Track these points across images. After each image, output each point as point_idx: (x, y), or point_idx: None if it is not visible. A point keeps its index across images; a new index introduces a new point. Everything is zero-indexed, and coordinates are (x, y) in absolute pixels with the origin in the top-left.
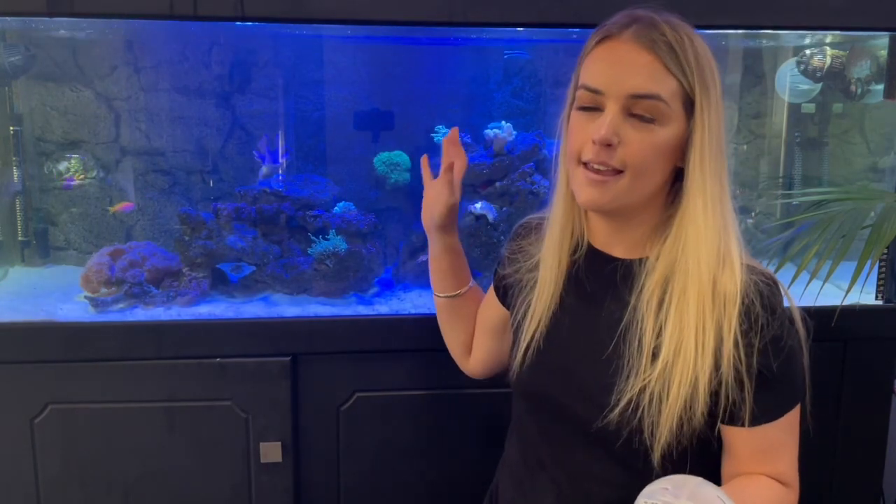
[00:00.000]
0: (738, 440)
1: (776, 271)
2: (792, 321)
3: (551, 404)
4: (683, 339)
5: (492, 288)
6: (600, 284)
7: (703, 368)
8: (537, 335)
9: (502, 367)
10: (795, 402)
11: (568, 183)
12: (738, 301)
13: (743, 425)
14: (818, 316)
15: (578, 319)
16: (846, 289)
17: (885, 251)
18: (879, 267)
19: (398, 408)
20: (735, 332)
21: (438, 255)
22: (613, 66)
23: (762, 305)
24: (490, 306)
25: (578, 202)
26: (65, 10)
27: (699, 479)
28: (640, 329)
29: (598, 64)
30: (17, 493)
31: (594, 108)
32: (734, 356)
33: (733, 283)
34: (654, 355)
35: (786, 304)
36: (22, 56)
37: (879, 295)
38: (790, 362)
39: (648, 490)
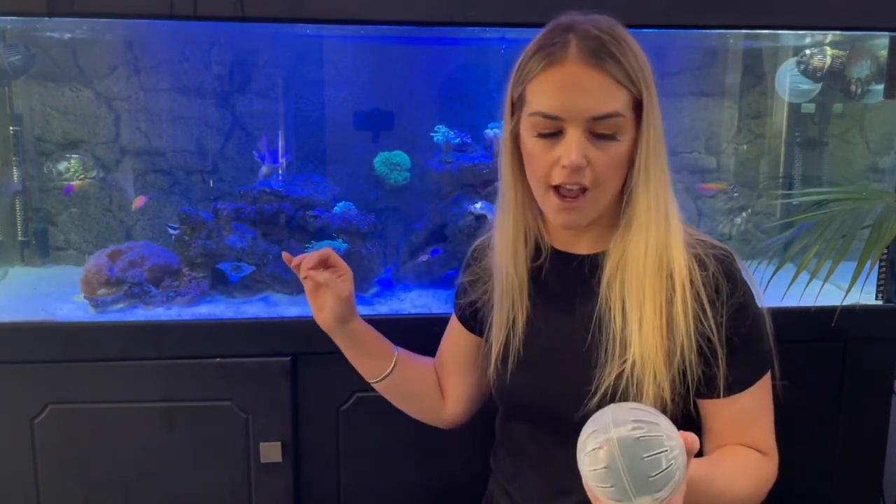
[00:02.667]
0: (715, 412)
1: (776, 271)
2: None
3: (537, 407)
4: (647, 321)
5: (454, 321)
6: (570, 282)
7: (672, 346)
8: (512, 344)
9: (485, 399)
10: (766, 368)
11: (517, 195)
12: (688, 275)
13: (718, 396)
14: (818, 316)
15: (554, 320)
16: (846, 289)
17: (885, 251)
18: (879, 267)
19: (397, 408)
20: (703, 304)
21: (350, 349)
22: (567, 90)
23: (724, 275)
24: (458, 340)
25: (556, 224)
26: (65, 10)
27: (614, 406)
28: (610, 317)
29: (549, 90)
30: (17, 493)
31: (552, 131)
32: (706, 327)
33: (680, 260)
34: (626, 341)
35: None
36: (22, 56)
37: (879, 295)
38: (757, 328)
39: (582, 442)
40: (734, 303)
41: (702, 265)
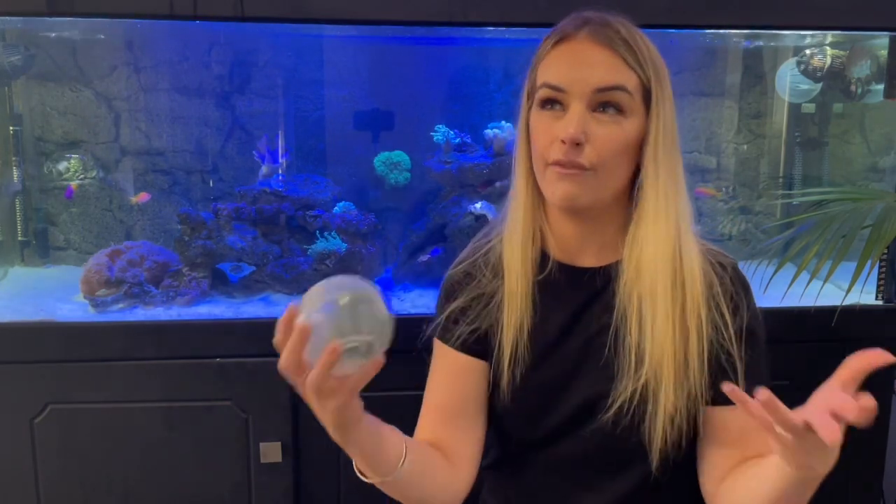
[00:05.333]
0: (730, 420)
1: (776, 271)
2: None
3: (548, 424)
4: (662, 333)
5: (450, 362)
6: (584, 296)
7: (687, 357)
8: (521, 355)
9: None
10: (768, 377)
11: (528, 188)
12: (704, 284)
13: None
14: (818, 316)
15: (570, 335)
16: (846, 289)
17: (885, 251)
18: (879, 267)
19: (398, 408)
20: (723, 312)
21: (361, 447)
22: (575, 63)
23: (740, 284)
24: (466, 379)
25: (552, 201)
26: (65, 10)
27: (355, 278)
28: (626, 329)
29: (557, 63)
30: (17, 493)
31: (556, 106)
32: (725, 337)
33: (694, 269)
34: (642, 354)
35: None
36: (22, 56)
37: (879, 295)
38: (762, 334)
39: (334, 327)
40: (750, 312)
41: (719, 275)
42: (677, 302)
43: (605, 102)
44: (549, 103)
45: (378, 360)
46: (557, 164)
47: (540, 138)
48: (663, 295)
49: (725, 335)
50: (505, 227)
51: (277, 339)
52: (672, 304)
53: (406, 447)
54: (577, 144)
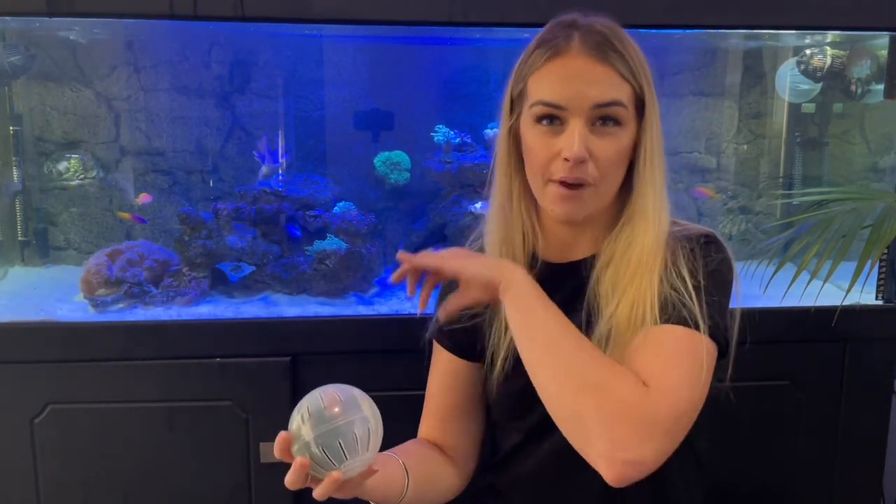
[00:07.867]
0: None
1: (776, 271)
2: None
3: (535, 417)
4: (628, 310)
5: (445, 365)
6: (569, 291)
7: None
8: (510, 347)
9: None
10: (697, 325)
11: (518, 193)
12: (671, 263)
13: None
14: (818, 316)
15: None
16: (846, 289)
17: (885, 251)
18: (879, 267)
19: (397, 408)
20: (684, 277)
21: (368, 495)
22: (571, 80)
23: (701, 245)
24: (459, 382)
25: (553, 217)
26: (65, 10)
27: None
28: (597, 313)
29: (552, 79)
30: (17, 493)
31: (554, 121)
32: (685, 293)
33: (660, 248)
34: (608, 333)
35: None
36: (22, 56)
37: (879, 295)
38: (723, 289)
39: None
40: (714, 260)
41: (683, 248)
42: (644, 279)
43: (603, 117)
44: (545, 118)
45: (373, 469)
46: (563, 183)
47: (538, 154)
48: (633, 275)
49: (685, 292)
50: (492, 229)
51: (280, 456)
52: (640, 281)
53: (407, 471)
54: (581, 162)
